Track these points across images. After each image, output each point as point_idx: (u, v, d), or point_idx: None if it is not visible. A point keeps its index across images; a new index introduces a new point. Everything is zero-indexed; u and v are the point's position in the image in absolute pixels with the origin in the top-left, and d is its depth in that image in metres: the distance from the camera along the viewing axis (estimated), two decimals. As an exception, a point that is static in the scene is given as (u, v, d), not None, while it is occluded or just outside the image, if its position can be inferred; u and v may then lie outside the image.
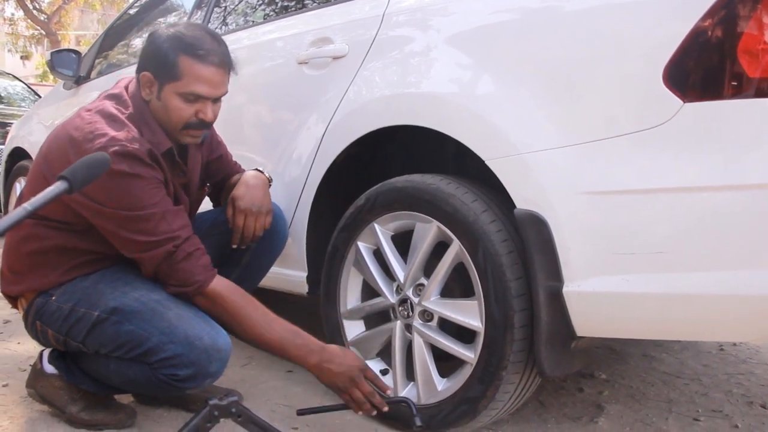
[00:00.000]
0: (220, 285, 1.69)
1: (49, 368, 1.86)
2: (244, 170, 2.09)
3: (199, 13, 2.95)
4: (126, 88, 1.79)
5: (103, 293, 1.70)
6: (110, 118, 1.68)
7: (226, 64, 1.73)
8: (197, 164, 1.92)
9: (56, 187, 1.31)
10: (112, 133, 1.63)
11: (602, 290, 1.49)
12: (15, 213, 1.23)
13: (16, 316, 2.95)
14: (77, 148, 1.63)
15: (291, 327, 1.71)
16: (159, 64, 1.69)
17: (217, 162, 2.06)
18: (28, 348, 2.43)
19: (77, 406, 1.82)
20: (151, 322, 1.64)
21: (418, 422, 1.67)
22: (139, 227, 1.63)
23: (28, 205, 1.25)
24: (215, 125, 1.86)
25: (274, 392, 2.09)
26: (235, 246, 1.94)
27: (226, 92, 1.76)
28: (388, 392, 1.77)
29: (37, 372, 1.90)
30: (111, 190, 1.61)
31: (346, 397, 1.70)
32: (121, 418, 1.85)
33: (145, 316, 1.65)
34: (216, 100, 1.75)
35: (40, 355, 1.91)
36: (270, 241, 2.02)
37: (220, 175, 2.08)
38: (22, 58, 29.60)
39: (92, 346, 1.72)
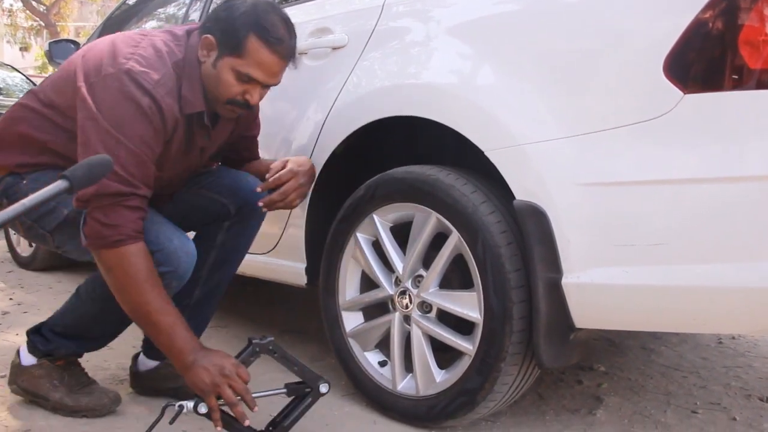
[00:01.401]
0: (137, 250, 1.61)
1: (28, 359, 1.87)
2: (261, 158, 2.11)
3: (198, 3, 2.94)
4: (188, 33, 1.75)
5: None
6: (157, 55, 1.66)
7: (289, 56, 1.70)
8: (223, 133, 1.89)
9: (56, 185, 1.31)
10: (151, 72, 1.62)
11: (601, 282, 1.49)
12: (12, 208, 1.23)
13: (14, 307, 2.95)
14: (114, 58, 1.62)
15: (184, 320, 1.65)
16: (227, 33, 1.65)
17: (248, 140, 2.06)
18: (27, 338, 2.43)
19: (59, 392, 1.83)
20: None
21: (324, 389, 1.69)
22: (114, 151, 1.57)
23: (26, 201, 1.25)
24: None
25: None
26: (260, 190, 1.90)
27: (279, 83, 1.74)
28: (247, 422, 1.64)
29: (15, 367, 1.91)
30: (116, 105, 1.59)
31: (210, 400, 1.59)
32: (105, 404, 1.85)
33: None
34: (266, 86, 1.72)
35: (18, 351, 1.92)
36: (245, 221, 1.98)
37: (243, 154, 2.08)
38: (21, 49, 29.56)
39: (59, 239, 1.74)
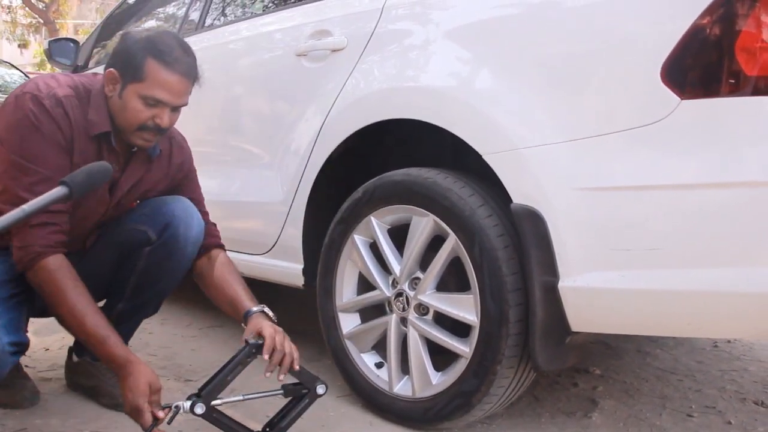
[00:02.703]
0: (55, 263, 1.63)
1: None
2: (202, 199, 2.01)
3: (198, 3, 2.94)
4: (95, 74, 1.81)
5: None
6: (54, 78, 1.71)
7: (191, 74, 1.72)
8: (137, 172, 1.84)
9: (56, 191, 1.32)
10: (41, 85, 1.66)
11: (598, 286, 1.49)
12: (11, 214, 1.25)
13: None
14: (14, 93, 1.68)
15: (110, 328, 1.64)
16: (126, 63, 1.68)
17: (183, 182, 1.97)
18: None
19: None
20: None
21: (321, 390, 1.69)
22: (20, 178, 1.61)
23: (26, 207, 1.26)
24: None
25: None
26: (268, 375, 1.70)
27: (187, 103, 1.74)
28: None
29: None
30: (14, 128, 1.63)
31: (127, 408, 1.60)
32: (24, 396, 1.87)
33: None
34: (175, 109, 1.73)
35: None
36: (169, 246, 1.84)
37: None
38: (19, 46, 29.50)
39: None
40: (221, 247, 1.93)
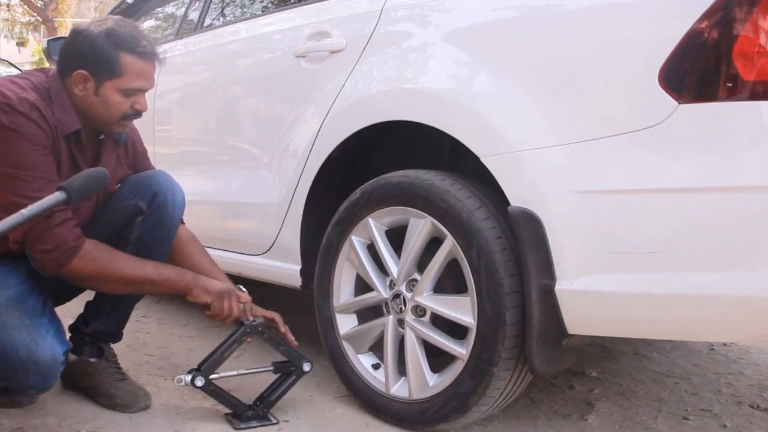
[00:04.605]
0: (92, 246, 1.72)
1: None
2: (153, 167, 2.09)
3: (198, 3, 2.94)
4: (43, 72, 1.80)
5: None
6: (13, 83, 1.70)
7: (157, 56, 1.80)
8: (111, 160, 1.90)
9: (55, 197, 1.32)
10: (6, 92, 1.64)
11: (594, 289, 1.50)
12: (11, 218, 1.25)
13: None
14: None
15: (162, 263, 1.85)
16: (96, 62, 1.70)
17: (139, 159, 2.04)
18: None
19: None
20: None
21: (306, 368, 1.93)
22: (20, 189, 1.62)
23: (25, 211, 1.26)
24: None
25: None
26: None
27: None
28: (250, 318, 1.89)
29: None
30: None
31: (209, 312, 1.84)
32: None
33: None
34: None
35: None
36: (160, 212, 1.92)
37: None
38: (18, 44, 29.49)
39: None
40: (182, 222, 2.04)
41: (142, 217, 1.90)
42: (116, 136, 1.86)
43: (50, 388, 1.70)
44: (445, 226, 1.70)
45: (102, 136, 1.85)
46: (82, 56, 1.72)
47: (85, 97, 1.73)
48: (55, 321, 1.72)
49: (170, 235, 1.97)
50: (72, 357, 2.02)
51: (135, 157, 2.01)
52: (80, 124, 1.74)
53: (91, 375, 1.97)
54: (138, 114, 1.79)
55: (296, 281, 2.18)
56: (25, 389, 1.65)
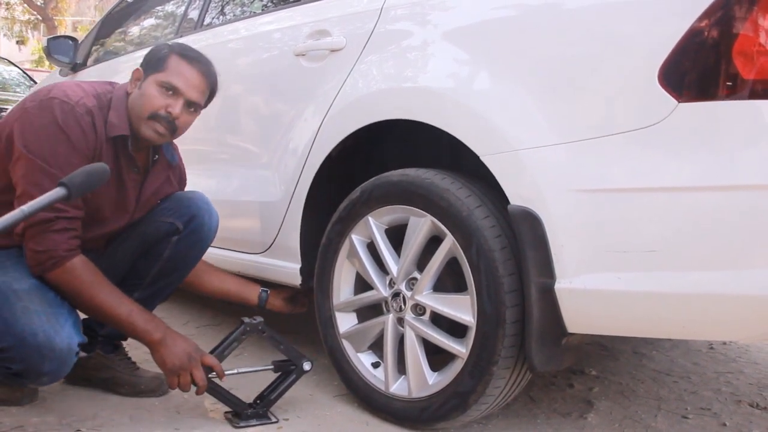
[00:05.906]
0: (80, 264, 1.73)
1: None
2: None
3: (198, 2, 2.94)
4: (113, 84, 1.89)
5: None
6: (78, 86, 1.77)
7: (209, 76, 1.85)
8: (160, 177, 1.99)
9: (55, 192, 1.32)
10: (69, 92, 1.71)
11: (594, 287, 1.50)
12: (11, 215, 1.25)
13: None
14: (33, 95, 1.73)
15: (140, 306, 1.80)
16: (150, 60, 1.82)
17: (182, 187, 2.13)
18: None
19: None
20: None
21: (307, 367, 1.93)
22: (40, 181, 1.65)
23: (26, 208, 1.26)
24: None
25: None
26: None
27: (201, 105, 1.86)
28: (224, 379, 1.85)
29: None
30: (39, 132, 1.67)
31: (172, 379, 1.78)
32: (22, 394, 1.87)
33: None
34: (190, 105, 1.82)
35: None
36: (196, 235, 2.01)
37: None
38: (17, 43, 29.47)
39: None
40: None
41: (177, 237, 1.98)
42: (168, 157, 1.95)
43: (61, 378, 1.74)
44: (444, 225, 1.70)
45: (156, 157, 1.93)
46: (145, 59, 1.84)
47: (133, 94, 1.81)
48: (74, 313, 1.75)
49: (200, 257, 2.07)
50: (82, 354, 2.02)
51: (181, 186, 2.10)
52: (128, 131, 1.79)
53: (109, 367, 2.02)
54: (168, 118, 1.78)
55: (296, 280, 2.18)
56: (39, 375, 1.67)
